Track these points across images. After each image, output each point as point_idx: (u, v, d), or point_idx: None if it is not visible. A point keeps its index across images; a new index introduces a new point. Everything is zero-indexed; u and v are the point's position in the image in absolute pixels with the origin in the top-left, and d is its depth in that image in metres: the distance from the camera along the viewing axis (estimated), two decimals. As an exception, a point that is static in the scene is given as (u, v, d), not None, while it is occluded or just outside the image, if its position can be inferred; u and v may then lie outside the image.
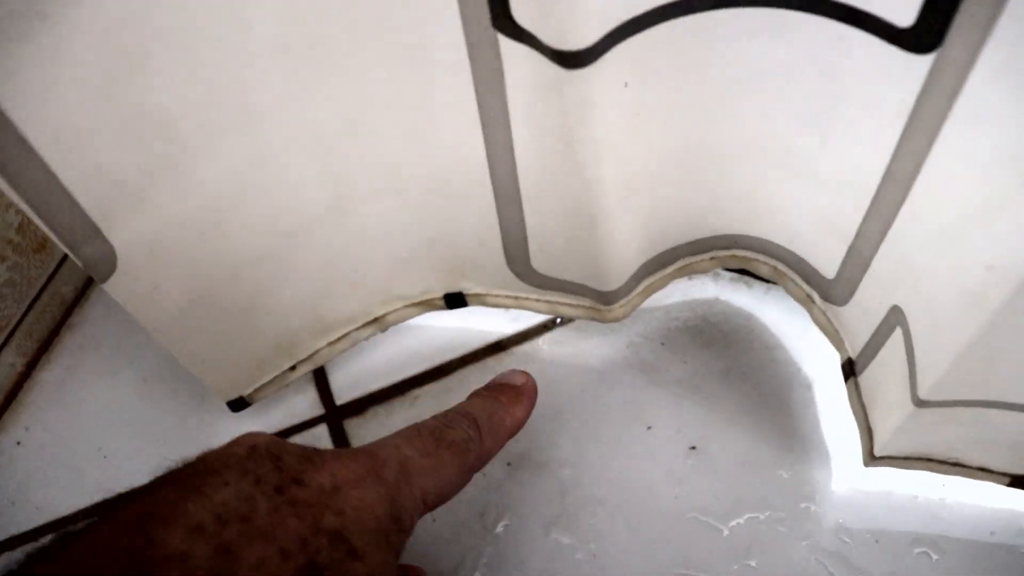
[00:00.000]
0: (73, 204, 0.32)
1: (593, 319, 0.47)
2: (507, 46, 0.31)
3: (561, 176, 0.36)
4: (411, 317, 0.49)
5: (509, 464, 0.45)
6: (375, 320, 0.49)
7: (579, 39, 0.29)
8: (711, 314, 0.50)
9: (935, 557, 0.40)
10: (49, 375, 0.53)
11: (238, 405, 0.47)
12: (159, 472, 0.27)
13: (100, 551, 0.23)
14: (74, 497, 0.47)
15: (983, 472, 0.39)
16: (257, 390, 0.47)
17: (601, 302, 0.45)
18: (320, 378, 0.50)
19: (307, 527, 0.25)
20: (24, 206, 0.31)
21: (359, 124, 0.36)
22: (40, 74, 0.28)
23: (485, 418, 0.36)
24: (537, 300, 0.47)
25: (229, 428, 0.46)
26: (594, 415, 0.46)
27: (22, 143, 0.29)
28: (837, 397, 0.44)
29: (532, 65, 0.31)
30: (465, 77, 0.34)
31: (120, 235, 0.34)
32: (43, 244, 0.52)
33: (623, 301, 0.45)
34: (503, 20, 0.30)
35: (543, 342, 0.50)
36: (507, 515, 0.43)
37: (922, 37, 0.26)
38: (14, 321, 0.51)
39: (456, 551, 0.42)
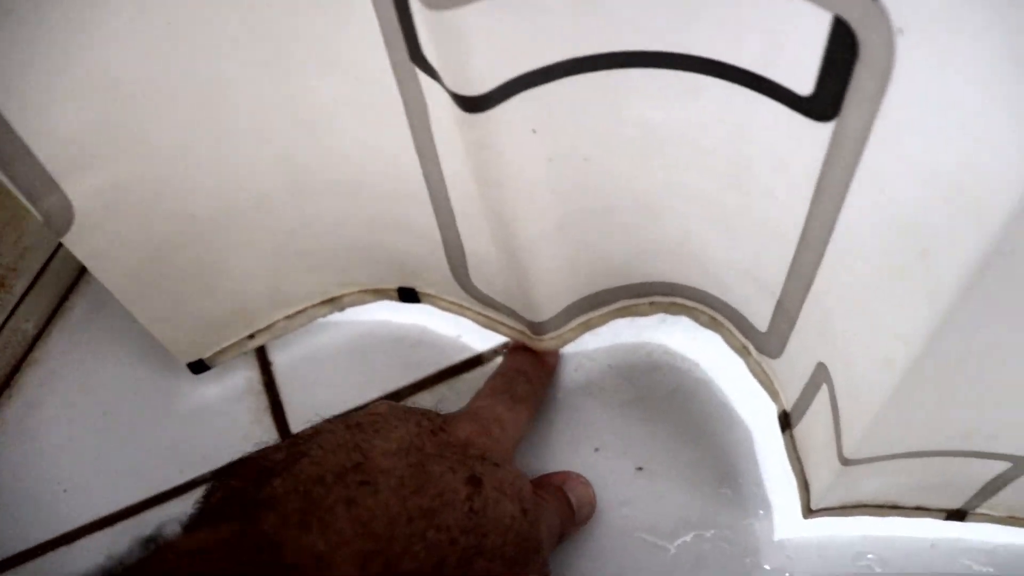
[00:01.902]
0: (31, 158, 0.34)
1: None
2: (425, 80, 0.32)
3: (482, 208, 0.36)
4: (367, 302, 0.51)
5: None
6: (332, 300, 0.50)
7: (474, 85, 0.29)
8: (659, 340, 0.50)
9: (878, 571, 0.40)
10: (11, 412, 0.53)
11: (198, 367, 0.49)
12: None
13: (326, 465, 0.31)
14: (36, 531, 0.48)
15: (920, 511, 0.40)
16: (216, 354, 0.50)
17: (532, 331, 0.45)
18: (276, 406, 0.51)
19: (460, 455, 0.34)
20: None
21: (307, 121, 0.37)
22: (5, 39, 0.30)
23: (534, 371, 0.46)
24: (478, 314, 0.48)
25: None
26: (543, 436, 0.47)
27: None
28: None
29: (447, 101, 0.31)
30: (398, 102, 0.35)
31: (76, 190, 0.37)
32: (2, 282, 0.52)
33: (554, 334, 0.46)
34: (417, 56, 0.31)
35: (492, 367, 0.50)
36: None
37: (821, 106, 0.26)
38: (-25, 359, 0.51)
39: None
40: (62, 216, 0.37)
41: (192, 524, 0.29)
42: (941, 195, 0.24)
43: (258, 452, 0.33)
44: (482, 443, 0.37)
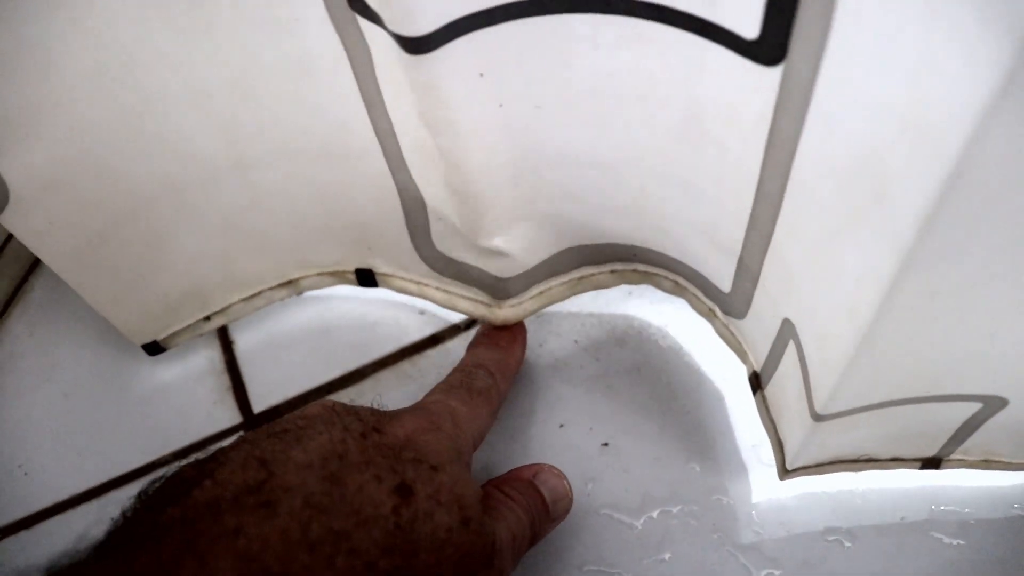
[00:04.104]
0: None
1: (484, 318, 0.46)
2: (366, 25, 0.31)
3: (435, 156, 0.35)
4: (326, 286, 0.50)
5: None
6: (289, 282, 0.49)
7: (416, 26, 0.28)
8: (624, 312, 0.49)
9: (848, 545, 0.40)
10: (-32, 394, 0.52)
11: (153, 349, 0.49)
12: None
13: (227, 487, 0.28)
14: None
15: (895, 462, 0.39)
16: (170, 336, 0.48)
17: (493, 295, 0.45)
18: (238, 387, 0.50)
19: (392, 459, 0.31)
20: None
21: (246, 88, 0.36)
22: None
23: (496, 365, 0.43)
24: (437, 288, 0.47)
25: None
26: (507, 413, 0.46)
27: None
28: (748, 394, 0.44)
29: (390, 45, 0.30)
30: (340, 52, 0.33)
31: (11, 168, 0.36)
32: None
33: (514, 301, 0.45)
34: (356, 0, 0.30)
35: (456, 343, 0.49)
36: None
37: (768, 49, 0.25)
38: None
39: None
40: (-2, 195, 0.36)
41: (82, 558, 0.27)
42: (894, 129, 0.23)
43: (175, 469, 0.30)
44: (424, 441, 0.33)
